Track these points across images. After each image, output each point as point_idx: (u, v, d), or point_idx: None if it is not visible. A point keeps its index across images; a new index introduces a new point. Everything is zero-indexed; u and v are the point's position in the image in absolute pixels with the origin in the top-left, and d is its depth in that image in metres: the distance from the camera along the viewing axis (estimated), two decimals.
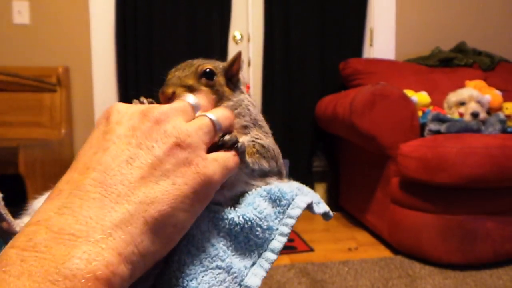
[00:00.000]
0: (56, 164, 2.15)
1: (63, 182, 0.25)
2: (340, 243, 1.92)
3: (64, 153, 2.26)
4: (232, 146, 0.32)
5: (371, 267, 1.58)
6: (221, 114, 0.33)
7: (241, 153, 0.33)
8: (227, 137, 0.32)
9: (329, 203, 2.45)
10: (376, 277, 1.49)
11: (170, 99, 0.34)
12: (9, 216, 0.34)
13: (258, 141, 0.37)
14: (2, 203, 0.34)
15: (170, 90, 0.35)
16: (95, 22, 2.34)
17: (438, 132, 1.60)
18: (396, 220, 1.70)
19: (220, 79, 0.37)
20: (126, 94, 2.33)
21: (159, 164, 0.25)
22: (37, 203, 0.35)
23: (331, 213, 0.38)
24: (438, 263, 1.56)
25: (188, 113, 0.30)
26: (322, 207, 0.38)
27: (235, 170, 0.32)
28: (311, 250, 1.82)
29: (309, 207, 0.36)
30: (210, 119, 0.31)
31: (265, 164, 0.37)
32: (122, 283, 0.21)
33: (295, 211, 0.34)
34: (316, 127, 2.44)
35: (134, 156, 0.25)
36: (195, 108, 0.32)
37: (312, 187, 2.46)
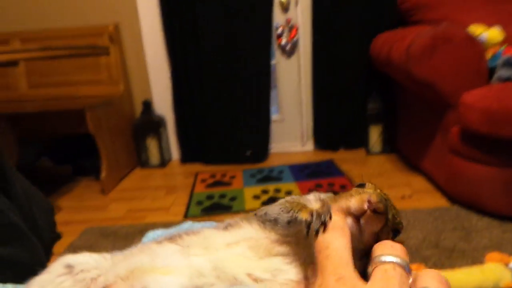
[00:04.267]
0: (119, 119, 2.32)
1: None
2: (393, 189, 1.91)
3: (125, 108, 2.41)
4: None
5: (424, 217, 1.58)
6: None
7: None
8: None
9: (384, 145, 2.40)
10: (429, 229, 1.49)
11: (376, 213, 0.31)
12: None
13: None
14: None
15: (382, 207, 0.31)
16: None
17: (508, 79, 1.43)
18: (454, 170, 1.63)
19: None
20: (174, 46, 2.34)
21: None
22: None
23: None
24: (497, 215, 1.51)
25: (407, 286, 0.28)
26: None
27: None
28: None
29: None
30: None
31: None
32: None
33: None
34: (371, 66, 2.30)
35: None
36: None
37: (366, 129, 2.40)
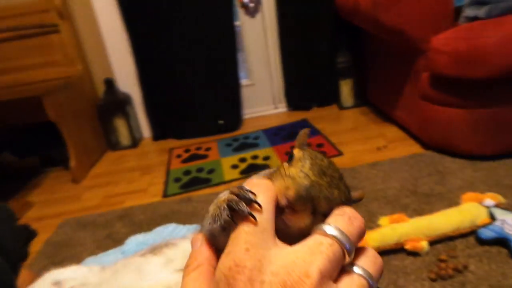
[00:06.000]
0: (82, 102, 2.19)
1: None
2: (369, 142, 1.93)
3: (86, 89, 2.28)
4: None
5: (400, 166, 1.61)
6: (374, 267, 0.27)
7: None
8: None
9: (356, 99, 2.40)
10: (406, 177, 1.52)
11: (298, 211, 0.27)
12: None
13: None
14: None
15: (301, 207, 0.27)
16: None
17: (476, 18, 1.41)
18: (426, 116, 1.65)
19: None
20: (132, 18, 2.19)
21: None
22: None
23: None
24: (469, 156, 1.55)
25: (338, 264, 0.26)
26: None
27: None
28: (340, 154, 1.85)
29: None
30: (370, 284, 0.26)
31: None
32: None
33: None
34: (337, 18, 2.24)
35: None
36: (348, 253, 0.26)
37: (336, 84, 2.39)
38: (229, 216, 0.26)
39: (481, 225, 1.10)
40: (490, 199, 1.18)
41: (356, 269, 0.26)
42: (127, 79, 2.37)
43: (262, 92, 2.54)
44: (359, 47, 2.30)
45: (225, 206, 0.27)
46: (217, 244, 0.29)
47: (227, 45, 2.27)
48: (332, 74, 2.39)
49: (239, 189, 0.27)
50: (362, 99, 2.38)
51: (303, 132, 0.34)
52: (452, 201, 1.29)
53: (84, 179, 1.99)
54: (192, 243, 0.30)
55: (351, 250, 0.26)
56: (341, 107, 2.42)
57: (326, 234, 0.26)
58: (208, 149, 2.15)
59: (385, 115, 2.15)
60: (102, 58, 2.34)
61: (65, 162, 2.01)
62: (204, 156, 2.06)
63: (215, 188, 1.68)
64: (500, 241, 1.06)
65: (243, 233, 0.25)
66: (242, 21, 2.39)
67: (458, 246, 1.09)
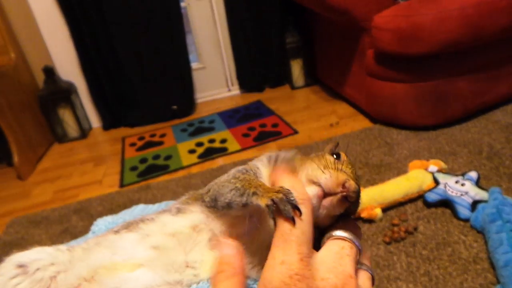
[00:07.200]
0: (20, 92, 2.03)
1: None
2: (322, 119, 2.00)
3: (24, 79, 2.11)
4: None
5: (352, 140, 1.69)
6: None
7: None
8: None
9: (307, 78, 2.45)
10: (358, 150, 1.61)
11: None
12: None
13: None
14: None
15: (354, 197, 0.32)
16: None
17: None
18: (373, 91, 1.74)
19: None
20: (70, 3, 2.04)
21: None
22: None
23: None
24: (413, 127, 1.67)
25: (357, 262, 0.31)
26: None
27: None
28: (296, 132, 1.90)
29: None
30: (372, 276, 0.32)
31: None
32: None
33: None
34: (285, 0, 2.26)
35: None
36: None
37: (287, 64, 2.42)
38: (271, 210, 0.29)
39: (427, 189, 1.20)
40: (433, 165, 1.29)
41: (363, 266, 0.32)
42: (68, 66, 2.23)
43: (214, 75, 2.51)
44: (307, 27, 2.34)
45: (271, 202, 0.29)
46: (228, 213, 0.32)
47: (174, 28, 2.20)
48: (282, 54, 2.41)
49: (287, 193, 0.29)
50: (312, 78, 2.44)
51: (335, 143, 0.40)
52: (400, 170, 1.39)
53: (31, 175, 1.87)
54: (222, 246, 0.31)
55: (362, 249, 0.32)
56: (293, 87, 2.47)
57: (344, 239, 0.31)
58: (163, 135, 2.11)
59: (335, 92, 2.22)
60: (38, 45, 2.17)
61: (8, 158, 1.87)
62: (159, 143, 2.01)
63: (173, 174, 1.66)
64: (444, 203, 1.16)
65: (294, 244, 0.28)
66: (188, 2, 2.32)
67: (408, 211, 1.18)
